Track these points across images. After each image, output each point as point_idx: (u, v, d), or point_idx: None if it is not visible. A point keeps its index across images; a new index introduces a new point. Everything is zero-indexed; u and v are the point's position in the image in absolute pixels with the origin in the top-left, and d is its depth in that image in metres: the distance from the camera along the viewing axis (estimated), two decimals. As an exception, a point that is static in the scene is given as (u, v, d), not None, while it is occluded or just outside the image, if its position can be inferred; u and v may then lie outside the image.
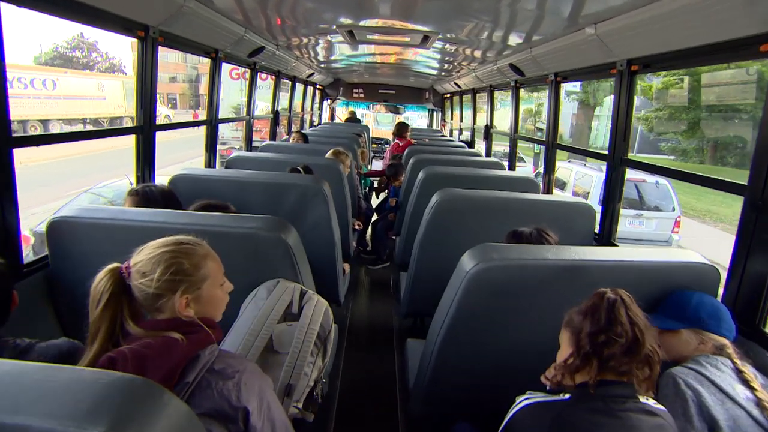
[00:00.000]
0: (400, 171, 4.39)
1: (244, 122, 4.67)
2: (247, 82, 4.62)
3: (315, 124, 8.04)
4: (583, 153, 6.67)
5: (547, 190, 3.62)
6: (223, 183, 2.38)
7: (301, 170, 2.82)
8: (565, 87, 18.53)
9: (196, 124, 3.68)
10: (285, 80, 5.55)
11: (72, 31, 32.26)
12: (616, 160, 2.56)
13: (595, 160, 7.00)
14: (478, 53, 3.85)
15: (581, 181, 8.85)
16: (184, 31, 2.68)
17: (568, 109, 21.01)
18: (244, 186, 2.34)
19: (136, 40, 2.44)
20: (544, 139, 3.71)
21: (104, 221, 1.57)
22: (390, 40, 3.56)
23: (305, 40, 3.76)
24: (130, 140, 2.62)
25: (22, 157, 1.80)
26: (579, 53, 2.76)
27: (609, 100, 21.03)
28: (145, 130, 2.55)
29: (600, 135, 21.31)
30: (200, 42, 3.06)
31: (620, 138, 2.55)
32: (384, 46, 4.12)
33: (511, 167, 4.47)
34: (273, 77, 5.07)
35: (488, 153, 5.53)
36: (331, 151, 3.68)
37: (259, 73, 4.52)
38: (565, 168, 9.59)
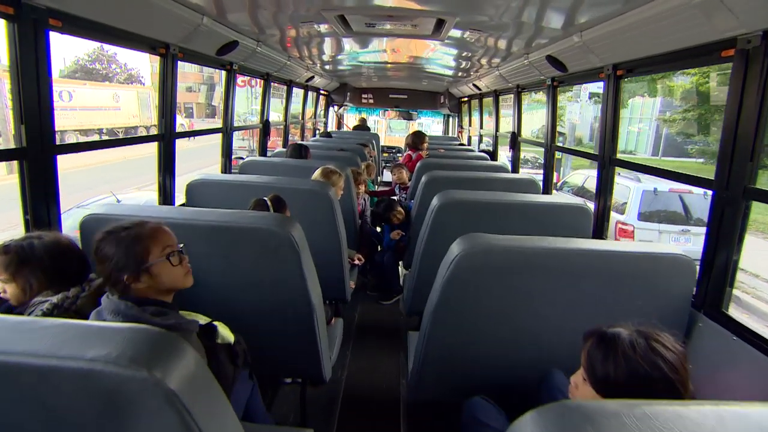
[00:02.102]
0: (390, 210, 3.81)
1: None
2: (261, 89, 4.73)
3: (320, 132, 7.37)
4: (576, 153, 6.71)
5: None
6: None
7: (268, 204, 2.12)
8: (589, 88, 17.91)
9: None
10: (280, 84, 4.95)
11: (92, 45, 33.42)
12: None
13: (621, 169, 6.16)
14: (503, 44, 3.19)
15: (618, 194, 7.93)
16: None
17: (590, 112, 20.15)
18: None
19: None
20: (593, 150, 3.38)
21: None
22: (394, 30, 2.95)
23: (292, 33, 3.13)
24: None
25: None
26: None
27: (633, 102, 20.15)
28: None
29: (631, 140, 20.31)
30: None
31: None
32: (389, 40, 3.75)
33: (546, 188, 3.71)
34: (261, 81, 4.46)
35: (515, 166, 4.80)
36: (318, 170, 2.97)
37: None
38: (594, 177, 8.69)
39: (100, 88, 23.56)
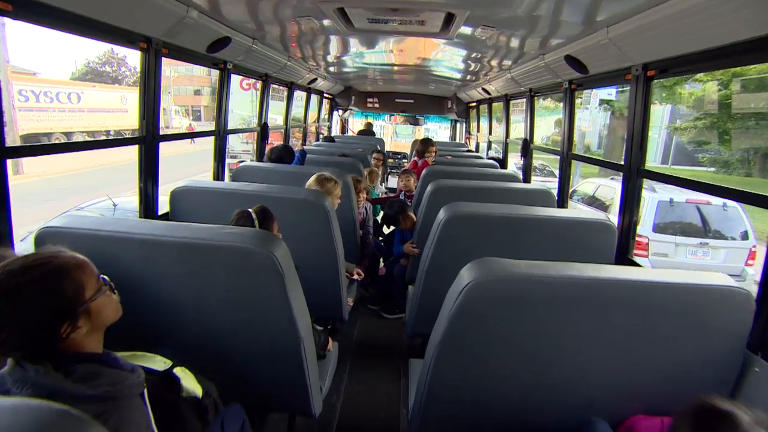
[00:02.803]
0: (402, 212, 3.49)
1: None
2: (259, 91, 4.51)
3: (323, 136, 7.16)
4: (597, 163, 5.92)
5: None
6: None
7: (253, 216, 1.88)
8: (599, 95, 17.63)
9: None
10: (280, 87, 4.74)
11: (103, 48, 33.98)
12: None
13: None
14: (516, 43, 2.95)
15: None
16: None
17: (599, 119, 19.90)
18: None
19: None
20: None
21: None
22: (400, 27, 2.73)
23: (290, 29, 2.91)
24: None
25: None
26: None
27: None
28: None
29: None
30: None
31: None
32: (395, 41, 3.54)
33: (562, 199, 3.45)
34: (259, 83, 4.26)
35: (527, 175, 4.54)
36: (312, 178, 2.74)
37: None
38: (607, 186, 8.41)
39: (109, 90, 23.90)
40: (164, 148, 2.75)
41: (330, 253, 2.45)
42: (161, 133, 2.66)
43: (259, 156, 4.48)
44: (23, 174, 14.75)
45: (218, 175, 3.54)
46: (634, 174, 2.45)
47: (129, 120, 22.47)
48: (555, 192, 3.30)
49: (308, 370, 1.70)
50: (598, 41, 2.31)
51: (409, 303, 2.67)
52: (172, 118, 30.58)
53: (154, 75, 2.49)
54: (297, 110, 6.35)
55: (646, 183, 7.56)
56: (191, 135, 3.67)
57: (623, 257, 2.48)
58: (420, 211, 3.11)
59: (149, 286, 1.55)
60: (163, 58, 2.52)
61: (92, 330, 1.08)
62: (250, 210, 1.94)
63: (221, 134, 3.44)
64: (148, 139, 2.55)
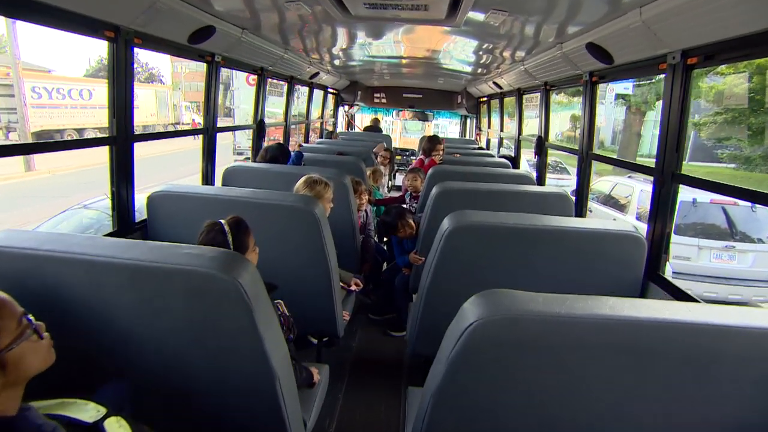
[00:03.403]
0: (401, 219, 3.15)
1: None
2: (254, 87, 4.29)
3: (327, 133, 6.91)
4: (623, 165, 5.14)
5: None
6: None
7: (225, 229, 1.63)
8: (615, 89, 17.13)
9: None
10: (279, 81, 4.50)
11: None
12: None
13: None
14: (531, 30, 2.67)
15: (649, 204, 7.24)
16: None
17: (615, 114, 19.45)
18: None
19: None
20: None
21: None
22: (401, 15, 2.52)
23: (280, 18, 2.67)
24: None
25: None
26: None
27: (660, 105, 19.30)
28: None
29: (655, 143, 19.51)
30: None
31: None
32: (400, 32, 3.28)
33: (581, 205, 3.15)
34: (255, 78, 4.02)
35: (541, 175, 4.19)
36: (300, 181, 2.49)
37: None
38: (624, 185, 8.02)
39: (119, 87, 24.15)
40: (165, 145, 2.56)
41: (321, 263, 2.22)
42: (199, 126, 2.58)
43: (256, 155, 4.25)
44: (35, 170, 14.87)
45: (208, 177, 3.30)
46: (668, 178, 2.14)
47: (139, 117, 22.81)
48: (570, 193, 3.00)
49: (287, 410, 1.46)
50: (628, 25, 2.00)
51: (411, 319, 2.42)
52: (183, 114, 30.77)
53: (125, 68, 2.25)
54: (303, 106, 6.11)
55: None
56: (174, 134, 3.25)
57: (653, 274, 2.17)
58: (424, 215, 2.86)
59: (98, 315, 1.32)
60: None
61: (7, 385, 0.87)
62: (222, 221, 1.69)
63: (210, 132, 3.19)
64: (120, 140, 2.31)
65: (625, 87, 16.26)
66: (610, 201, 8.33)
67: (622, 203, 7.86)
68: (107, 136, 2.30)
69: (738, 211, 6.50)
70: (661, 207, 2.18)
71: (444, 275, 2.01)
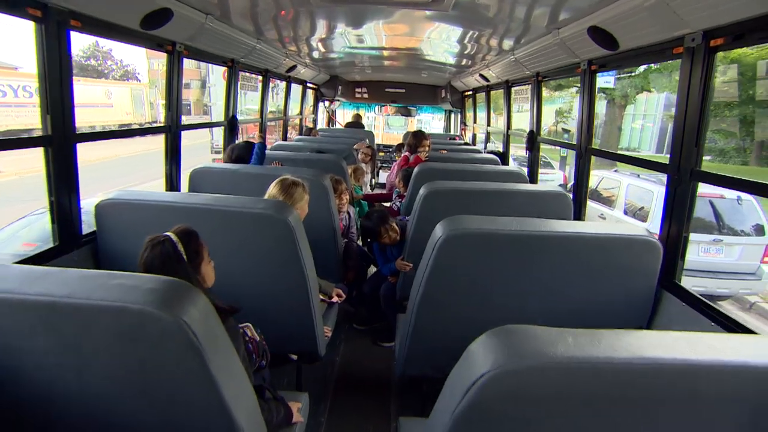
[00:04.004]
0: (384, 223, 2.87)
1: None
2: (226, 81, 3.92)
3: (308, 129, 6.61)
4: (630, 162, 4.62)
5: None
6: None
7: (174, 241, 1.36)
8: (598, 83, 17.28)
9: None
10: (253, 75, 4.20)
11: (88, 41, 33.46)
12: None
13: (642, 169, 5.43)
14: (522, 13, 2.45)
15: (637, 198, 7.13)
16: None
17: (599, 108, 19.53)
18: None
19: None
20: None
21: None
22: None
23: (248, 3, 2.40)
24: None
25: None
26: None
27: (641, 98, 19.51)
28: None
29: (635, 137, 19.85)
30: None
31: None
32: (382, 20, 3.08)
33: (579, 207, 2.91)
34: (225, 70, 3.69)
35: (533, 172, 3.92)
36: (273, 185, 2.23)
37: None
38: (611, 179, 7.94)
39: (92, 85, 23.36)
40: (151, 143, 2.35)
41: (297, 276, 1.96)
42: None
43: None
44: (1, 172, 14.13)
45: (172, 180, 2.98)
46: (685, 176, 1.91)
47: (114, 115, 22.11)
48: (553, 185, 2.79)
49: None
50: (640, 3, 1.77)
51: (399, 337, 2.17)
52: (160, 112, 29.98)
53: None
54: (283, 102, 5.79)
55: (654, 175, 7.11)
56: (127, 133, 2.86)
57: (668, 282, 1.95)
58: (412, 218, 2.62)
59: (7, 367, 1.04)
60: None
61: None
62: (169, 234, 1.41)
63: (173, 131, 2.87)
64: (57, 140, 2.02)
65: (606, 81, 16.31)
66: (595, 195, 8.24)
67: (608, 198, 7.76)
68: (164, 125, 2.27)
69: (725, 205, 6.46)
70: (677, 207, 1.95)
71: (437, 289, 1.79)
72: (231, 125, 3.77)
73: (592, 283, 1.77)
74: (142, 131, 2.88)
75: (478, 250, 1.71)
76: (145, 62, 35.43)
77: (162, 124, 2.84)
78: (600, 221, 6.44)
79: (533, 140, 3.80)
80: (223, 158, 4.08)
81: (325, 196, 2.75)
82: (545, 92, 4.57)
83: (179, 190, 2.99)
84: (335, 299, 2.64)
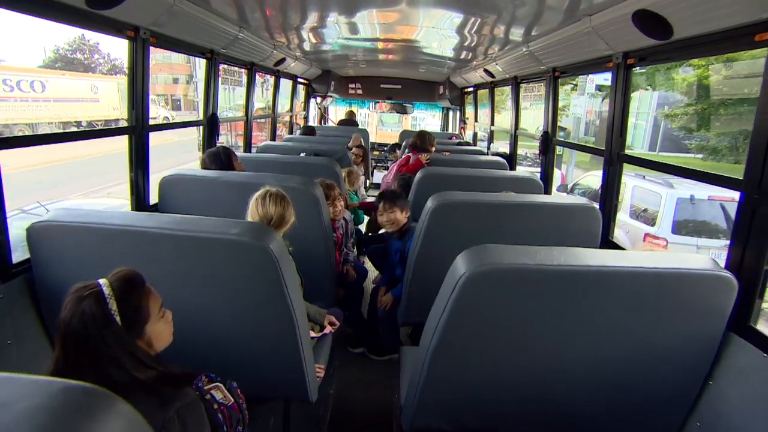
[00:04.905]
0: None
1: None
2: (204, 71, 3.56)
3: (302, 127, 6.20)
4: (690, 176, 4.18)
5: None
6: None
7: (105, 295, 0.98)
8: (595, 80, 17.02)
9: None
10: (235, 68, 3.81)
11: (74, 34, 32.93)
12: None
13: (647, 170, 5.10)
14: None
15: (644, 201, 6.82)
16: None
17: (595, 106, 19.52)
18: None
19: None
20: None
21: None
22: None
23: None
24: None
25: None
26: None
27: (635, 96, 19.38)
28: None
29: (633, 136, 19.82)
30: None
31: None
32: (374, 7, 2.76)
33: (607, 223, 2.50)
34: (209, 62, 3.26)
35: (547, 178, 3.51)
36: (254, 200, 1.88)
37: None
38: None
39: (78, 79, 22.72)
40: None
41: (282, 316, 1.58)
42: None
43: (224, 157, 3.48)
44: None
45: (139, 189, 2.53)
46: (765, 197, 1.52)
47: (101, 110, 21.21)
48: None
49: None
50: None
51: (407, 381, 1.80)
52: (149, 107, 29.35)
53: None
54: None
55: (661, 177, 6.77)
56: (53, 138, 2.16)
57: (742, 326, 1.58)
58: (417, 234, 2.25)
59: None
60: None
61: None
62: (100, 283, 1.02)
63: (137, 132, 2.44)
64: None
65: (605, 78, 16.06)
66: (596, 197, 7.92)
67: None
68: (128, 126, 2.15)
69: (736, 208, 6.16)
70: (756, 232, 1.59)
71: (458, 333, 1.44)
72: (211, 124, 3.34)
73: (644, 326, 1.46)
74: (100, 133, 2.37)
75: (509, 289, 1.38)
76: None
77: (125, 125, 2.40)
78: (651, 248, 6.10)
79: (548, 142, 3.40)
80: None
81: (316, 207, 2.37)
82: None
83: (148, 202, 2.59)
84: (328, 329, 2.27)
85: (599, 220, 2.24)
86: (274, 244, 1.49)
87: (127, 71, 2.31)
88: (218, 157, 2.70)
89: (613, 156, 2.42)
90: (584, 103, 18.51)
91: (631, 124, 19.88)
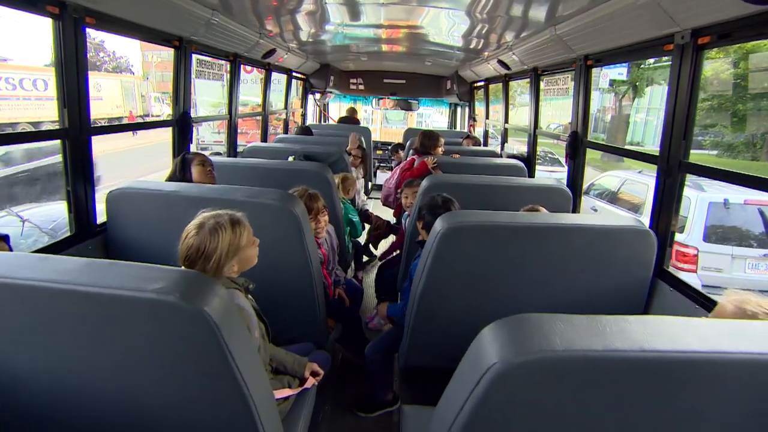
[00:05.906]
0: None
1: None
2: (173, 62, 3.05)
3: (300, 127, 5.73)
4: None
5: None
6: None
7: None
8: (609, 74, 16.42)
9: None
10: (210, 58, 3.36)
11: None
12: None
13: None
14: None
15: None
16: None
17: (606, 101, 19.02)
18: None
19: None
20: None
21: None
22: None
23: None
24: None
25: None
26: None
27: (650, 90, 18.79)
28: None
29: (638, 130, 19.23)
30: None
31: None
32: None
33: (662, 248, 1.98)
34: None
35: (575, 185, 2.96)
36: (193, 229, 1.42)
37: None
38: (637, 182, 7.13)
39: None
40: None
41: (231, 398, 1.10)
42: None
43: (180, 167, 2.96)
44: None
45: (79, 206, 2.09)
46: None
47: (104, 108, 21.01)
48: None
49: None
50: None
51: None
52: (152, 105, 29.08)
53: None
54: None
55: (690, 179, 6.26)
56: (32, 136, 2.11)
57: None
58: (423, 260, 1.78)
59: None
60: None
61: None
62: None
63: (79, 135, 1.99)
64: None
65: (620, 72, 15.46)
66: (615, 199, 7.39)
67: (635, 203, 6.88)
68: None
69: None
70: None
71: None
72: (182, 125, 2.86)
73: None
74: (26, 137, 1.93)
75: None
76: (139, 54, 34.58)
77: (58, 127, 1.93)
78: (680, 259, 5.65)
79: (577, 145, 2.86)
80: (227, 152, 3.30)
81: (296, 230, 1.90)
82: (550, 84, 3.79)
83: (95, 220, 2.14)
84: (310, 382, 1.79)
85: (654, 248, 1.76)
86: (214, 304, 1.01)
87: (53, 57, 1.84)
88: (181, 165, 2.25)
89: (672, 164, 1.90)
90: (595, 99, 17.96)
91: (642, 120, 19.27)
